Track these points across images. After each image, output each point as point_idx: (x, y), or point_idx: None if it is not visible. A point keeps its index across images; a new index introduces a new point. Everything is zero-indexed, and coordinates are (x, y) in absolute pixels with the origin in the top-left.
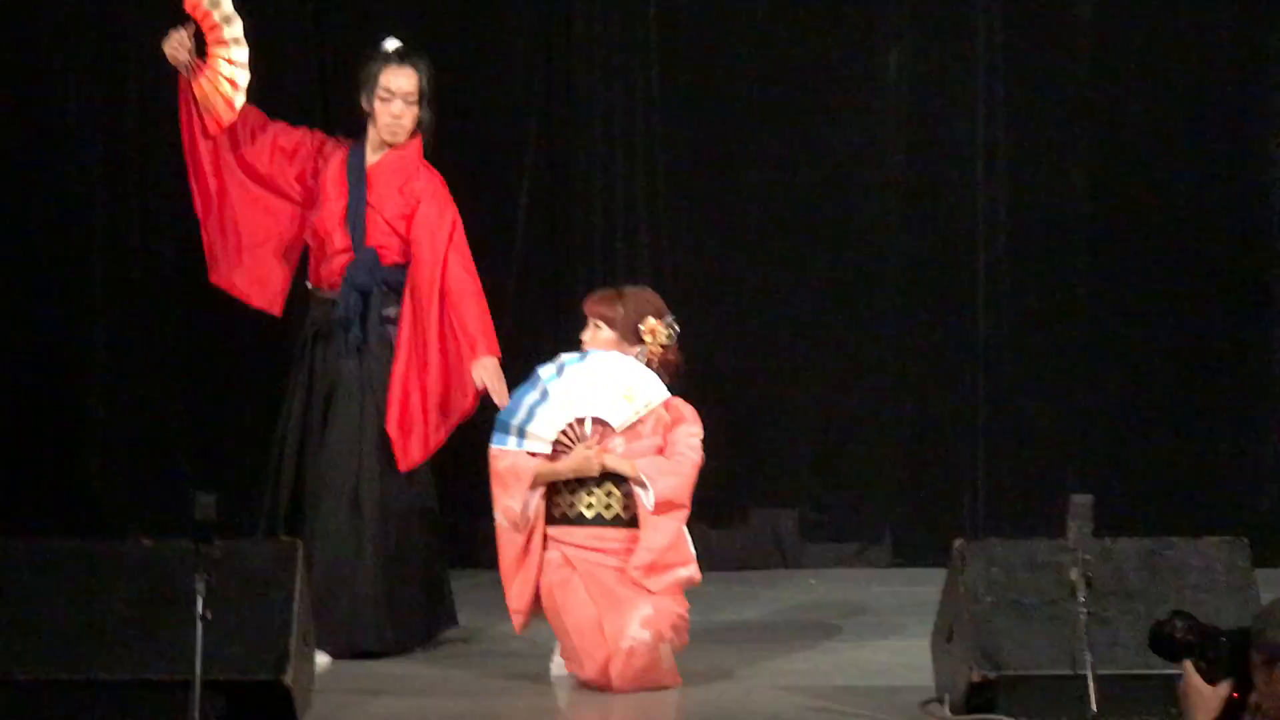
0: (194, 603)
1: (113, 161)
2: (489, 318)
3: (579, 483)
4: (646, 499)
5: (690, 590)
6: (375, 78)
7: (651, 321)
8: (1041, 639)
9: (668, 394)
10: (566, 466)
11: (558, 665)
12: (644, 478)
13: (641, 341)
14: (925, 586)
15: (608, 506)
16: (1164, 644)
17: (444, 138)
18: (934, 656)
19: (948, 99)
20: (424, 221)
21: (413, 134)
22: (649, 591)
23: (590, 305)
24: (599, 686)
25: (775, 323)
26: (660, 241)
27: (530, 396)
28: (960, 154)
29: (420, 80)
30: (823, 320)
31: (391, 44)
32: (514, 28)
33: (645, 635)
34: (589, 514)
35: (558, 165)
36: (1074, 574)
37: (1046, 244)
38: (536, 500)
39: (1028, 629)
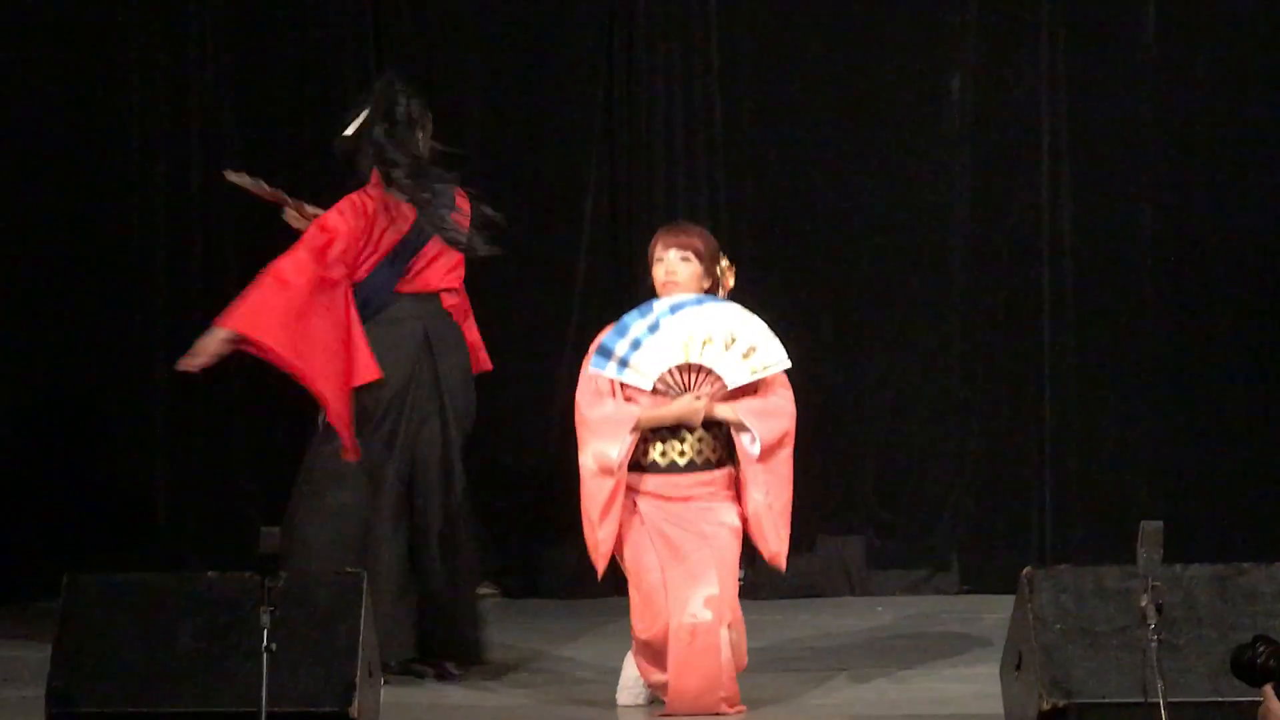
0: (259, 635)
1: (175, 202)
2: (249, 292)
3: (654, 429)
4: (752, 447)
5: (758, 617)
6: None
7: (725, 261)
8: (1112, 667)
9: (788, 361)
10: (671, 415)
11: (625, 695)
12: (748, 423)
13: (715, 280)
14: (994, 614)
15: (681, 453)
16: (1245, 669)
17: (506, 163)
18: (1003, 685)
19: (1012, 124)
20: None
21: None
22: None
23: (676, 237)
24: (656, 654)
25: (841, 348)
26: None
27: (640, 325)
28: (1025, 178)
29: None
30: (888, 346)
31: None
32: (574, 59)
33: (708, 615)
34: (662, 461)
35: (620, 187)
36: (1144, 601)
37: (1113, 266)
38: (630, 446)
39: (1098, 657)
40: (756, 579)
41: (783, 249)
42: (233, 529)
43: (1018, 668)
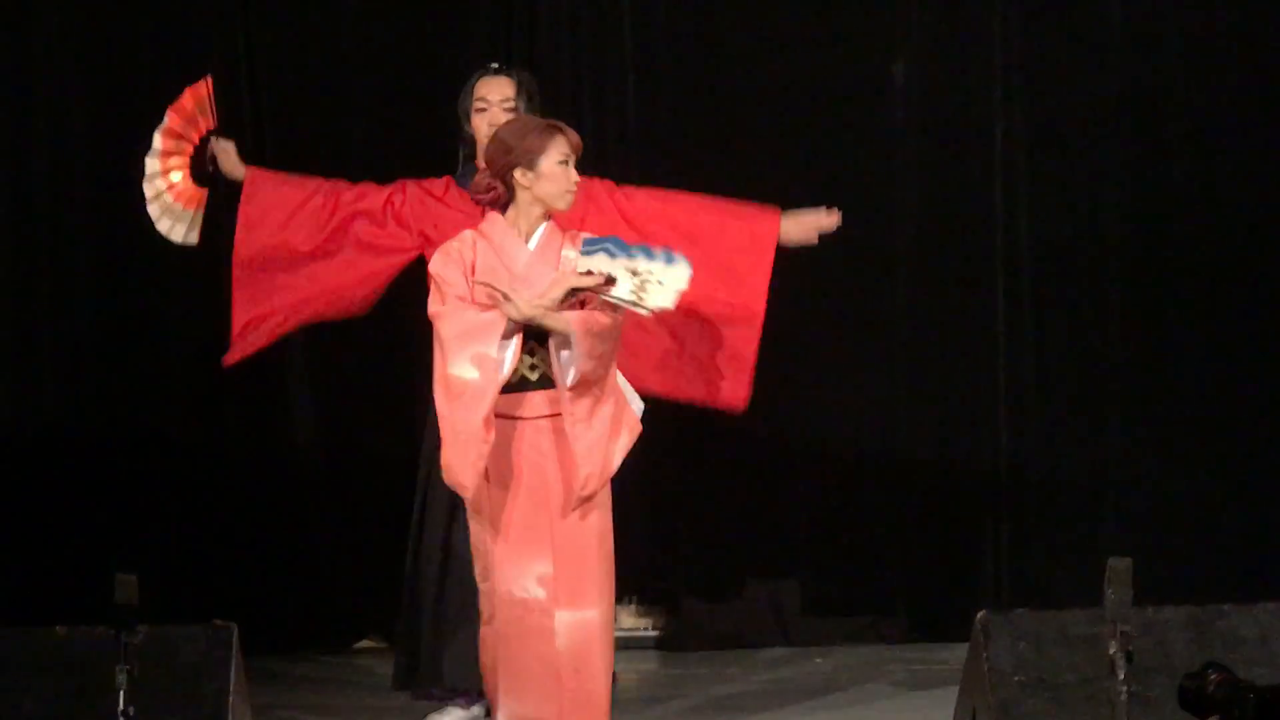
0: (115, 697)
1: (17, 207)
2: None
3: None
4: (568, 372)
5: (682, 671)
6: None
7: None
8: None
9: None
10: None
11: None
12: (574, 333)
13: None
14: (945, 664)
15: (532, 366)
16: (1192, 697)
17: (391, 165)
18: None
19: (962, 113)
20: None
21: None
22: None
23: (576, 137)
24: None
25: (770, 366)
26: None
27: None
28: (977, 175)
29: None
30: (826, 364)
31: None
32: (467, 49)
33: (540, 593)
34: (511, 378)
35: None
36: (1112, 648)
37: (1076, 272)
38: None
39: (1061, 711)
40: (681, 629)
41: None
42: (85, 576)
43: None
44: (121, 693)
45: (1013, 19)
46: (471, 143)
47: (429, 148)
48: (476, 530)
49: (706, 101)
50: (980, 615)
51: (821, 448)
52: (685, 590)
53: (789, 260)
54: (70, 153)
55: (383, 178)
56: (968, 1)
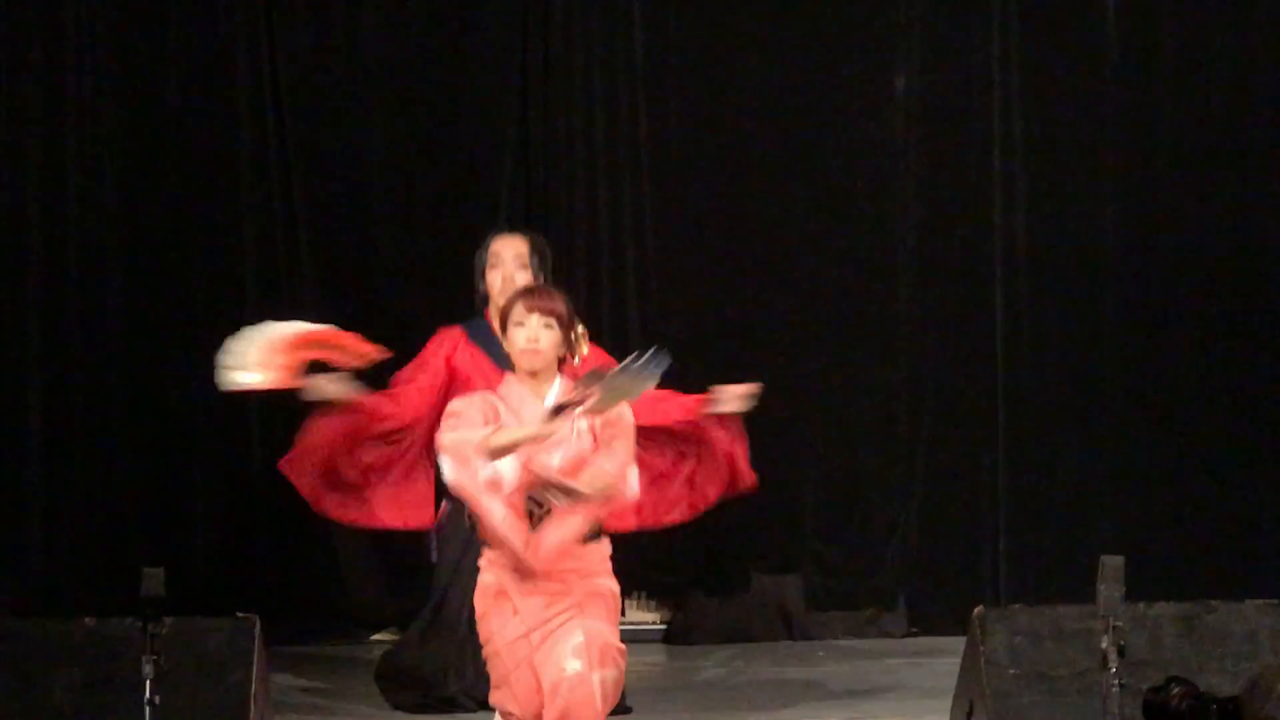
0: (141, 687)
1: (51, 211)
2: None
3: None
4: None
5: (686, 664)
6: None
7: (580, 328)
8: (1071, 714)
9: None
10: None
11: None
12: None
13: (571, 348)
14: (944, 657)
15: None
16: (1157, 712)
17: (411, 173)
18: None
19: (961, 126)
20: None
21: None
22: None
23: (539, 301)
24: None
25: (775, 370)
26: (649, 286)
27: None
28: (976, 185)
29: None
30: (827, 367)
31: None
32: (484, 59)
33: (577, 665)
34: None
35: (535, 198)
36: (1105, 642)
37: (1072, 281)
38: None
39: (1055, 703)
40: (687, 623)
41: (712, 263)
42: (114, 568)
43: (969, 715)
44: (148, 682)
45: (1012, 34)
46: (484, 297)
47: (446, 155)
48: (497, 637)
49: (714, 113)
50: (977, 610)
51: (826, 448)
52: (692, 585)
53: (795, 269)
54: (99, 158)
55: (401, 185)
56: (967, 17)
